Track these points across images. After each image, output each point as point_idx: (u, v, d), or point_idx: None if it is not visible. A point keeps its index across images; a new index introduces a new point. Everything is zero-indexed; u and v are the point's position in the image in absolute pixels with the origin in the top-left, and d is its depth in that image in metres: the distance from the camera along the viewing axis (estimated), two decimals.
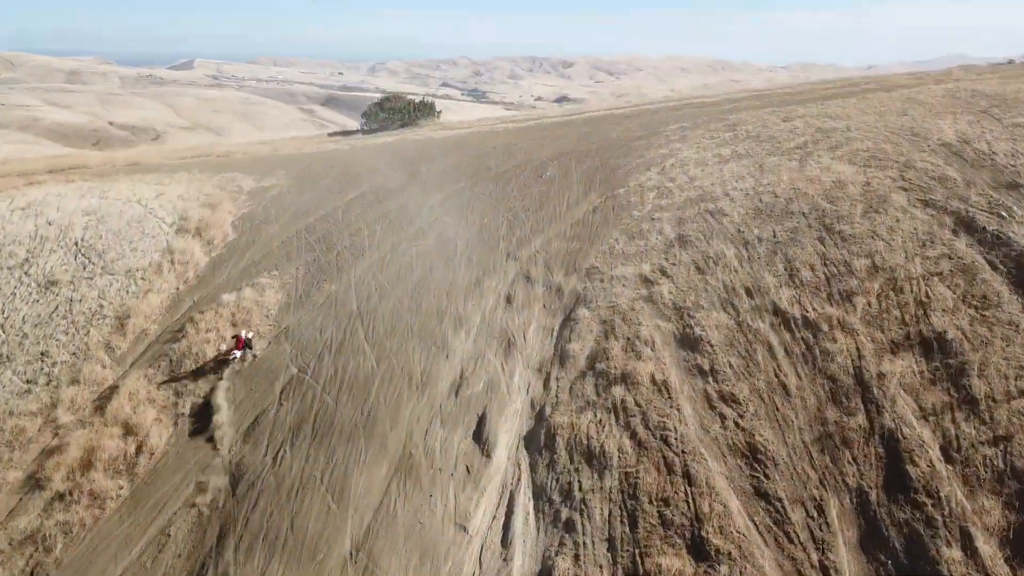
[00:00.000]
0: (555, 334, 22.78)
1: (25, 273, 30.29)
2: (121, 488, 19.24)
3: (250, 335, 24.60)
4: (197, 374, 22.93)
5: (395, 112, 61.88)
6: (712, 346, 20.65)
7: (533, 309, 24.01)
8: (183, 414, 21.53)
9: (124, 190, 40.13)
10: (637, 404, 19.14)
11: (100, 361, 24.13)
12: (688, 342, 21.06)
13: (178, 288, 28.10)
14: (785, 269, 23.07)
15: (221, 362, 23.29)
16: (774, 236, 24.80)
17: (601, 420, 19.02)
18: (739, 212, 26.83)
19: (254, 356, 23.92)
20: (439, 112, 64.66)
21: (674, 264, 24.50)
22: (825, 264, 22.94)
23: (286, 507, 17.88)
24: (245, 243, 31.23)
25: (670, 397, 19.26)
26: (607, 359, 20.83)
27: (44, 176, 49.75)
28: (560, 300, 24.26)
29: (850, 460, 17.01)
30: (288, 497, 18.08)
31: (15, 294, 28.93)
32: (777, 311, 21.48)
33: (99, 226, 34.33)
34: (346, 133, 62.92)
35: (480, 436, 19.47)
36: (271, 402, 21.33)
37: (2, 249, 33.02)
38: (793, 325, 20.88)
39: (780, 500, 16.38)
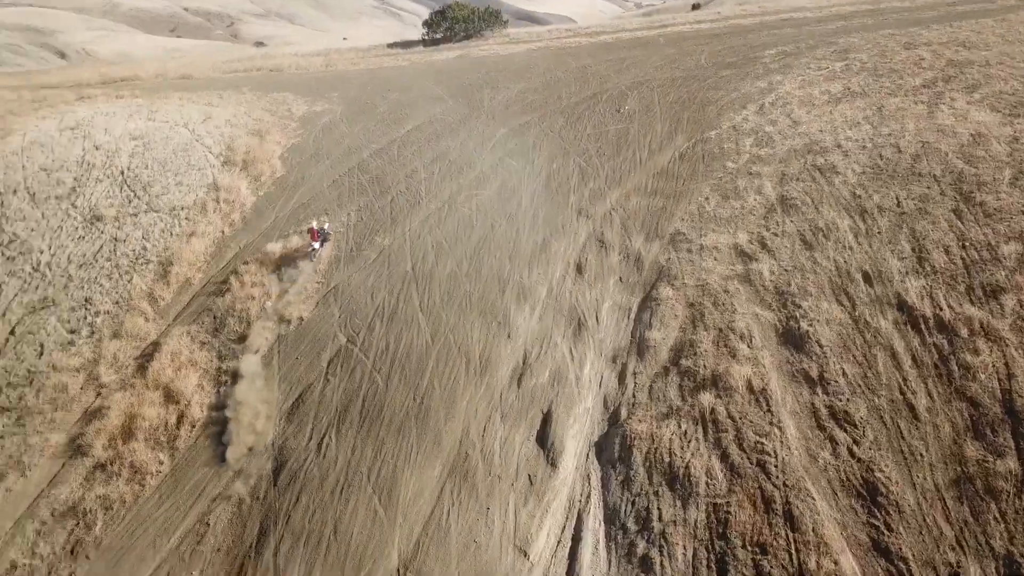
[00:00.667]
0: (632, 316, 19.96)
1: (72, 205, 28.86)
2: (161, 464, 17.85)
3: (325, 225, 25.20)
4: (241, 335, 21.00)
5: (459, 22, 57.42)
6: (822, 347, 17.56)
7: (607, 282, 21.13)
8: (226, 382, 19.72)
9: (172, 111, 38.11)
10: (730, 416, 16.40)
11: (143, 313, 22.60)
12: (792, 339, 17.99)
13: (223, 232, 26.13)
14: (913, 250, 19.48)
15: (294, 259, 24.04)
16: (898, 205, 21.03)
17: (687, 433, 16.40)
18: (854, 170, 22.96)
19: (324, 241, 24.73)
20: (506, 22, 59.81)
21: (776, 235, 21.10)
22: (963, 247, 19.24)
23: (329, 507, 16.12)
24: (294, 181, 28.91)
25: (770, 410, 16.44)
26: (694, 354, 17.99)
27: (96, 90, 48.10)
28: (639, 272, 21.27)
29: (997, 517, 14.05)
30: (332, 495, 16.29)
31: (62, 228, 27.55)
32: (903, 306, 18.12)
33: (145, 153, 32.47)
34: (406, 45, 58.96)
35: (545, 438, 17.14)
36: (317, 376, 19.39)
37: (50, 174, 31.65)
38: (923, 326, 17.54)
39: (905, 561, 13.67)
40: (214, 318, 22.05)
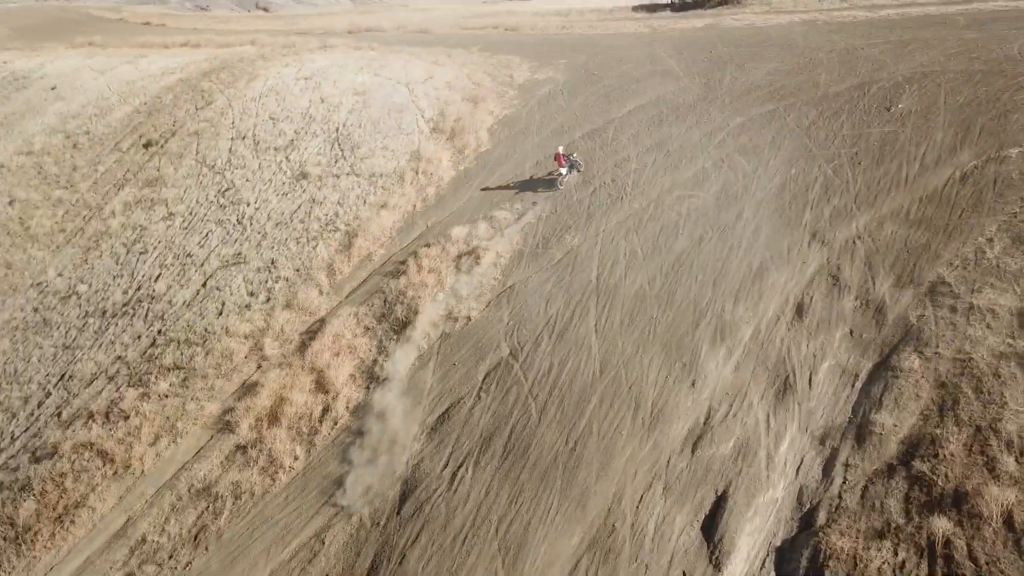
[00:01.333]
0: (858, 386, 16.37)
1: (286, 158, 30.20)
2: (296, 459, 17.67)
3: (572, 153, 26.51)
4: (406, 324, 20.32)
5: None
6: None
7: (833, 335, 17.58)
8: (379, 377, 19.13)
9: (398, 68, 38.87)
10: (971, 557, 12.64)
11: (319, 285, 22.84)
12: None
13: (415, 206, 25.78)
14: None
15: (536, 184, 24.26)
16: None
17: (904, 565, 12.91)
18: None
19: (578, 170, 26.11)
20: None
21: None
22: None
23: (448, 554, 14.82)
24: (497, 158, 27.91)
25: None
26: (935, 456, 14.23)
27: (340, 40, 50.61)
28: (878, 328, 17.46)
29: None
30: (454, 541, 14.99)
31: (271, 182, 28.87)
32: None
33: (363, 111, 33.27)
34: (652, 8, 55.89)
35: (713, 528, 14.49)
36: (470, 390, 18.19)
37: (276, 124, 33.47)
38: None
39: None
40: (384, 302, 21.58)
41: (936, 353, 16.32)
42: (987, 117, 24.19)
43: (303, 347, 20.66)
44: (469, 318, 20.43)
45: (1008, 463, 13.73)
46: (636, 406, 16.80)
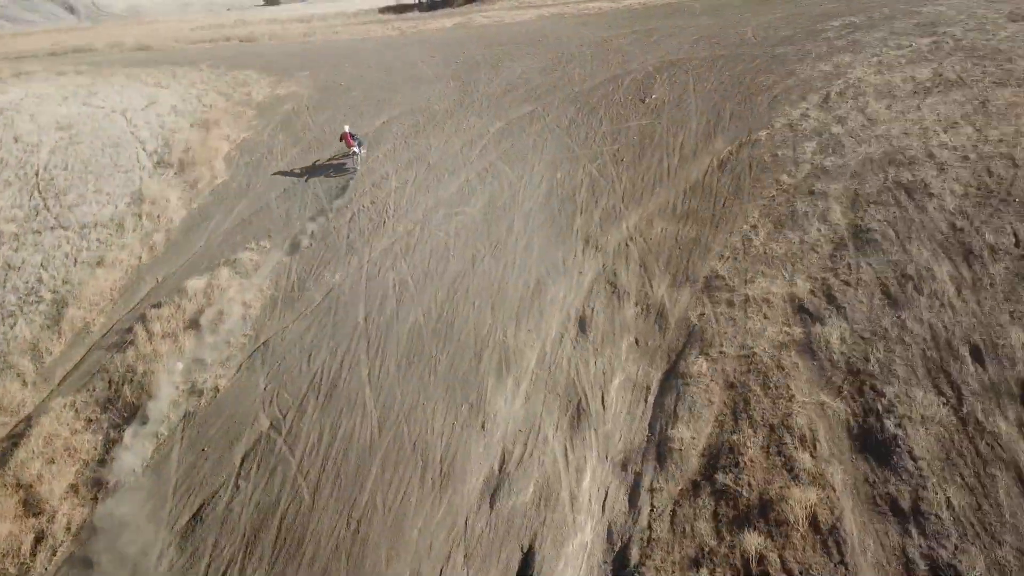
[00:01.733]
0: (651, 399, 15.86)
1: None
2: None
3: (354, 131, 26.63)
4: (139, 409, 17.20)
5: None
6: (916, 461, 13.38)
7: (619, 347, 17.00)
8: (108, 482, 15.91)
9: (114, 94, 34.48)
10: (787, 571, 12.22)
11: (20, 374, 19.01)
12: (874, 446, 13.86)
13: (140, 259, 22.41)
14: None
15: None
16: (1016, 244, 16.60)
17: None
18: (953, 191, 18.56)
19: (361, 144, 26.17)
20: None
21: (848, 283, 16.81)
22: None
23: None
24: (237, 190, 25.10)
25: (844, 562, 12.29)
26: (736, 466, 13.89)
27: (37, 65, 44.49)
28: (662, 333, 17.11)
29: None
30: None
31: None
32: None
33: (69, 149, 28.86)
34: (399, 9, 54.69)
35: None
36: (225, 480, 15.61)
37: None
38: None
39: None
40: (109, 383, 18.30)
41: (721, 352, 16.17)
42: (734, 102, 25.16)
43: (3, 459, 16.93)
44: (217, 389, 17.79)
45: (804, 460, 13.64)
46: (423, 465, 15.16)
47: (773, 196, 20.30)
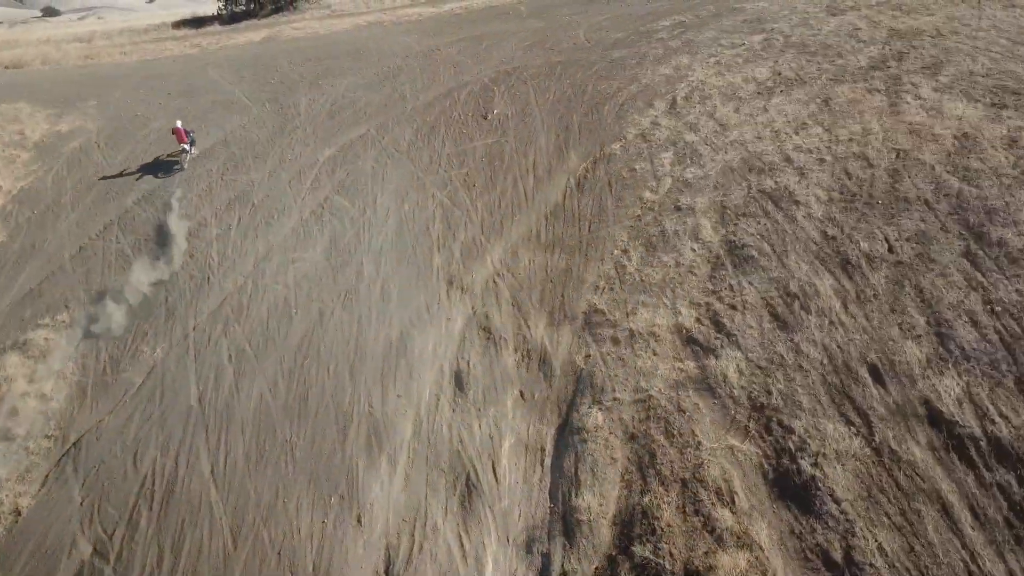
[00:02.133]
0: (547, 462, 14.42)
1: None
2: None
3: (191, 130, 26.07)
4: None
5: None
6: (838, 503, 12.76)
7: (504, 402, 15.45)
8: None
9: None
10: None
11: None
12: (793, 491, 13.13)
13: None
14: (928, 323, 15.06)
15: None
16: (890, 250, 16.61)
17: None
18: (817, 196, 18.46)
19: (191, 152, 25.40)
20: None
21: (733, 307, 16.14)
22: (995, 314, 14.90)
23: None
24: (19, 253, 21.43)
25: None
26: (653, 534, 12.70)
27: None
28: (548, 381, 15.72)
29: None
30: None
31: None
32: (937, 420, 13.53)
33: None
34: (198, 23, 50.26)
35: None
36: None
37: None
38: (975, 454, 12.95)
39: None
40: None
41: (615, 399, 14.99)
42: (581, 112, 24.29)
43: None
44: (18, 512, 14.62)
45: (725, 517, 12.64)
46: None
47: (639, 215, 19.45)
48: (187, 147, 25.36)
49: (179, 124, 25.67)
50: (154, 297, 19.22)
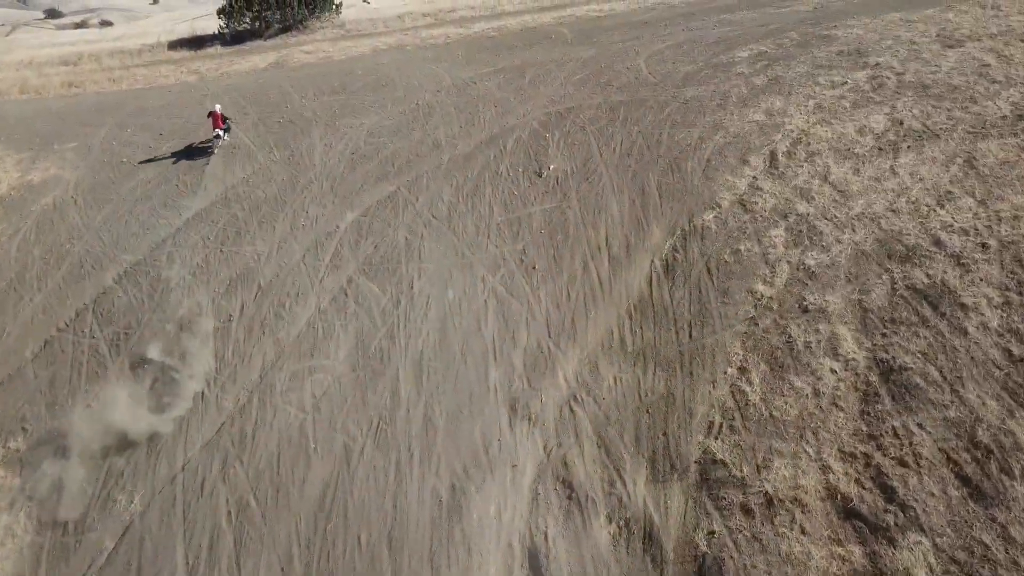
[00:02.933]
0: None
1: None
2: None
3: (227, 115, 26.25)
4: None
5: (271, 7, 45.98)
6: None
7: None
8: None
9: None
10: None
11: None
12: None
13: None
14: None
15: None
16: None
17: None
18: (990, 297, 14.93)
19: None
20: (338, 5, 48.81)
21: (904, 464, 12.55)
22: None
23: None
24: None
25: None
26: None
27: None
28: (659, 569, 11.83)
29: None
30: None
31: None
32: None
33: None
34: (197, 44, 46.91)
35: None
36: None
37: None
38: None
39: None
40: None
41: None
42: (658, 170, 20.63)
43: None
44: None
45: None
46: None
47: (754, 317, 15.65)
48: (221, 132, 25.96)
49: (218, 108, 26.52)
50: (133, 424, 15.50)
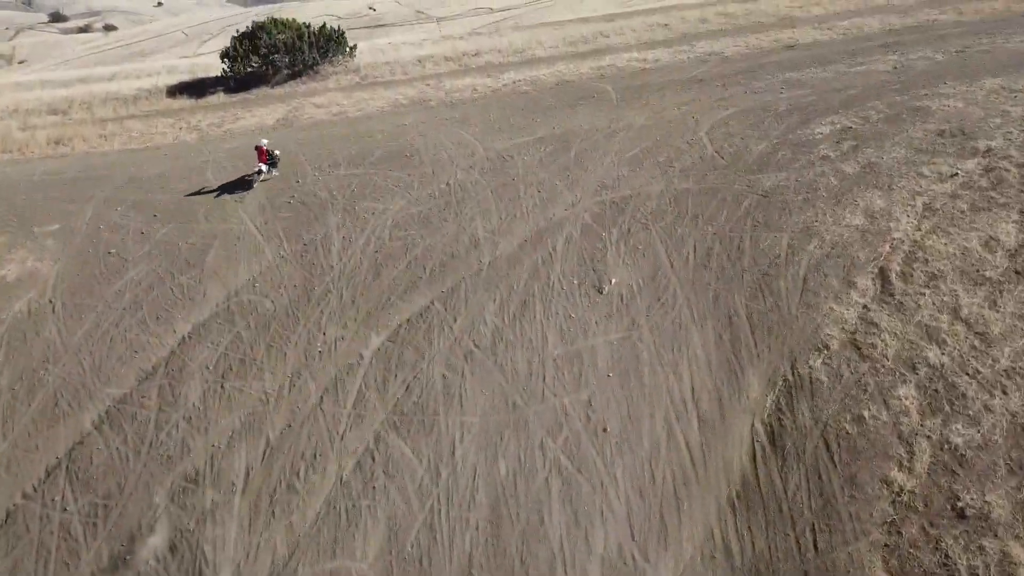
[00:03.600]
0: None
1: None
2: None
3: (276, 149, 26.70)
4: None
5: (279, 51, 43.32)
6: None
7: None
8: None
9: None
10: None
11: None
12: None
13: None
14: None
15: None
16: None
17: None
18: None
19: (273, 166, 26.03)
20: (352, 48, 46.12)
21: None
22: None
23: None
24: None
25: None
26: None
27: None
28: None
29: None
30: None
31: None
32: None
33: None
34: (198, 89, 44.24)
35: None
36: None
37: None
38: None
39: None
40: None
41: None
42: (744, 289, 17.88)
43: None
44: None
45: None
46: None
47: (894, 521, 12.57)
48: (264, 167, 26.19)
49: (264, 143, 26.74)
50: None
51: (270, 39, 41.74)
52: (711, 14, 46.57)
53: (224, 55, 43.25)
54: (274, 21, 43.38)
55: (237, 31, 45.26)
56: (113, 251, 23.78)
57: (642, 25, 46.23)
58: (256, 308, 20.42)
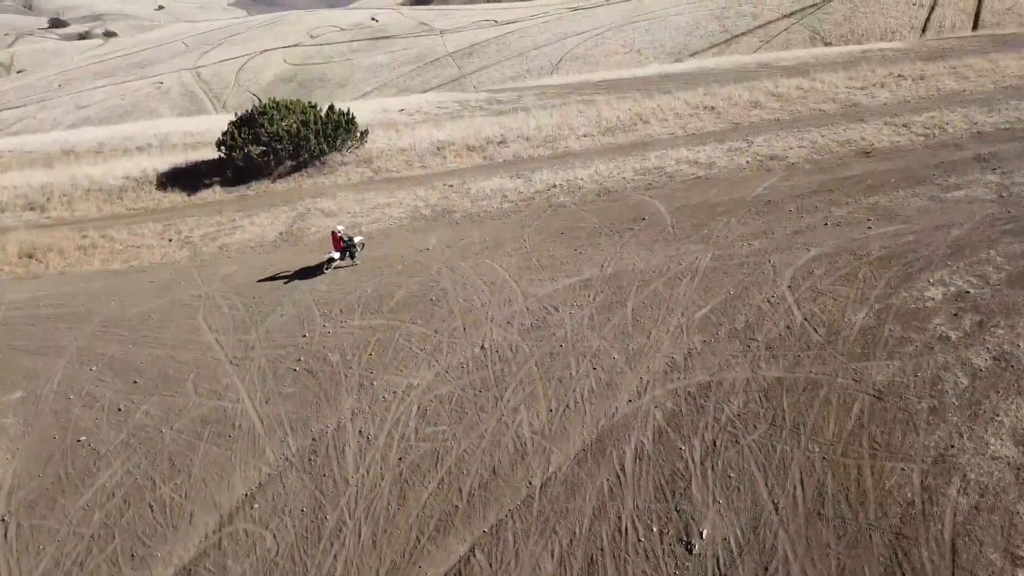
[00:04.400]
0: None
1: None
2: None
3: (355, 237, 26.95)
4: None
5: (281, 139, 40.08)
6: None
7: None
8: None
9: None
10: None
11: None
12: None
13: None
14: None
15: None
16: None
17: None
18: None
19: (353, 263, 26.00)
20: (364, 132, 42.89)
21: None
22: None
23: None
24: None
25: None
26: None
27: None
28: None
29: None
30: None
31: None
32: None
33: None
34: (192, 180, 40.94)
35: None
36: None
37: None
38: None
39: None
40: None
41: None
42: (875, 556, 14.03)
43: None
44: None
45: None
46: None
47: None
48: (336, 256, 26.27)
49: (340, 229, 26.56)
50: None
51: (271, 126, 38.44)
52: (761, 94, 43.32)
53: (221, 143, 39.96)
54: (276, 104, 40.17)
55: (229, 124, 41.98)
56: (84, 439, 20.44)
57: (685, 107, 42.98)
58: (255, 546, 17.01)
